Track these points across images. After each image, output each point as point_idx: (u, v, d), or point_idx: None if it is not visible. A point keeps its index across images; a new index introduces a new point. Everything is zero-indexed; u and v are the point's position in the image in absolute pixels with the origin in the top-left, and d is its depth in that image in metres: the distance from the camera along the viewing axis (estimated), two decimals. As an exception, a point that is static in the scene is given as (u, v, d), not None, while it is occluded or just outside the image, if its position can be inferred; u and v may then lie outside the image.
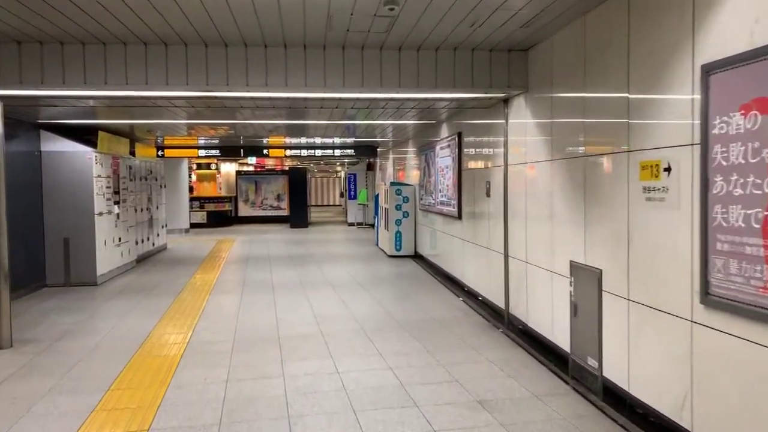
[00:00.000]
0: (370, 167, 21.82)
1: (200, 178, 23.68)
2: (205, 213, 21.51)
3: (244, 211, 23.95)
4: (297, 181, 21.31)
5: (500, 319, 6.52)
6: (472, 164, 7.85)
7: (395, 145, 15.01)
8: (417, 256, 12.06)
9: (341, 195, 38.91)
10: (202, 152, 14.46)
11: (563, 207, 4.91)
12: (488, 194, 7.03)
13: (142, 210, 12.13)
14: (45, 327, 6.52)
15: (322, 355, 5.37)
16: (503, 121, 6.43)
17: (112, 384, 4.63)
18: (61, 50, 5.17)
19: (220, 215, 21.87)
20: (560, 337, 5.01)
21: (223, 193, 26.17)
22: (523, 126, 5.88)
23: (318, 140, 14.02)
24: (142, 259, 12.03)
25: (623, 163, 3.88)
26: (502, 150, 6.46)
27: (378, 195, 14.84)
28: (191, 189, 23.39)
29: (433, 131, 10.20)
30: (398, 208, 12.16)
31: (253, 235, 18.01)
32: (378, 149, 15.40)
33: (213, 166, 23.70)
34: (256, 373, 4.88)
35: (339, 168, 39.45)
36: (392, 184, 12.29)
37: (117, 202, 10.19)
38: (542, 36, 5.15)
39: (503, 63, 5.72)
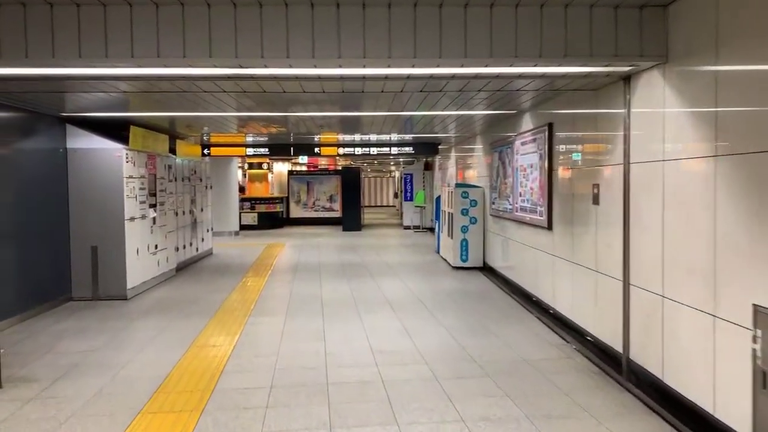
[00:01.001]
0: (428, 167, 20.36)
1: (252, 178, 22.89)
2: (255, 214, 20.63)
3: (295, 212, 23.00)
4: (350, 182, 20.12)
5: (615, 365, 4.96)
6: (568, 163, 6.30)
7: (459, 141, 13.51)
8: (486, 268, 10.55)
9: (395, 195, 37.63)
10: (250, 151, 13.41)
11: (738, 223, 3.34)
12: (596, 201, 5.47)
13: (183, 213, 11.15)
14: (50, 358, 5.44)
15: (385, 419, 3.99)
16: (621, 104, 4.86)
17: (103, 460, 3.41)
18: (77, 13, 4.00)
19: (271, 217, 20.96)
20: (731, 413, 3.44)
21: (275, 193, 25.36)
22: (657, 109, 4.31)
23: (373, 137, 12.70)
24: (183, 267, 11.04)
25: None
26: (619, 144, 4.90)
27: (439, 197, 13.39)
28: (242, 189, 22.65)
29: (510, 124, 8.67)
30: (464, 212, 10.68)
31: (304, 238, 16.91)
32: (439, 146, 13.93)
33: (265, 166, 22.85)
34: (296, 448, 3.55)
35: (393, 167, 38.19)
36: (458, 185, 10.83)
37: (153, 205, 9.18)
38: (702, -22, 3.59)
39: (632, 24, 4.18)
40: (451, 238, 10.98)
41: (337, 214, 22.49)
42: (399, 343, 5.82)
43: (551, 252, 6.81)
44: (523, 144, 7.89)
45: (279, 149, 13.50)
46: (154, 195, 9.27)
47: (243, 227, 20.02)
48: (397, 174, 36.06)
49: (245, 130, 10.99)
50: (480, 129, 10.49)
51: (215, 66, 4.28)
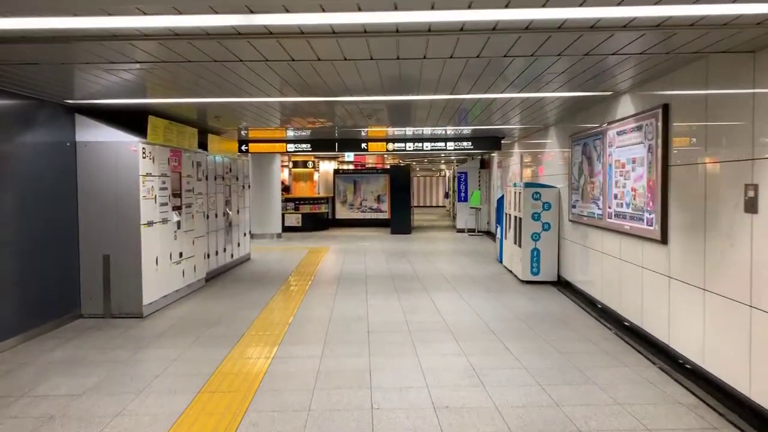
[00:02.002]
0: (485, 165, 18.75)
1: (296, 177, 21.83)
2: (299, 215, 19.54)
3: (341, 213, 21.81)
4: (399, 181, 18.72)
5: (796, 450, 3.37)
6: (697, 156, 4.70)
7: (524, 135, 11.89)
8: (560, 283, 8.95)
9: (446, 196, 36.03)
10: (291, 147, 12.21)
11: None
12: (751, 207, 3.88)
13: (216, 216, 10.02)
14: (23, 405, 4.27)
15: None
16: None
17: None
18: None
19: (315, 218, 19.82)
20: None
21: (321, 193, 24.28)
22: None
23: (426, 131, 11.26)
24: (216, 275, 9.92)
25: None
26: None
27: (501, 198, 11.82)
28: (287, 189, 21.65)
29: (599, 110, 7.07)
30: (536, 217, 9.10)
31: (350, 242, 15.62)
32: (502, 141, 12.33)
33: (310, 165, 21.76)
34: None
35: (443, 166, 36.62)
36: (527, 185, 9.27)
37: (177, 208, 8.05)
38: None
39: None
40: (519, 246, 9.42)
41: (385, 216, 21.17)
42: (469, 395, 4.37)
43: (665, 272, 5.21)
44: (620, 134, 6.29)
45: (322, 145, 12.24)
46: (179, 196, 8.14)
47: (286, 229, 18.98)
48: (448, 173, 34.47)
49: (285, 124, 9.77)
50: (554, 118, 8.89)
51: (214, 10, 2.96)
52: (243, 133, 11.67)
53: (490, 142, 11.99)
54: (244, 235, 11.85)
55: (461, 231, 18.56)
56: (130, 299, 6.95)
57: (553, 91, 6.26)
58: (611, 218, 6.55)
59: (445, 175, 38.75)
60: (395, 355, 5.41)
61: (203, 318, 6.98)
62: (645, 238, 5.63)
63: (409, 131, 11.37)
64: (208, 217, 9.55)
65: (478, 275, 9.98)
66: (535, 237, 9.12)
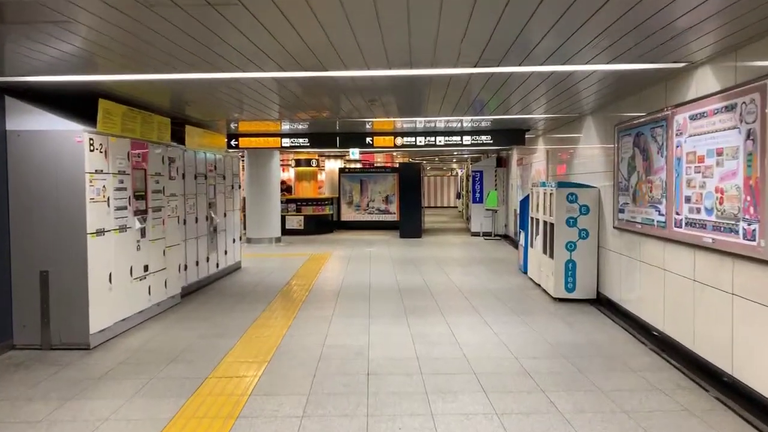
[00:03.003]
0: (501, 163, 17.29)
1: (299, 177, 20.50)
2: (301, 218, 18.19)
3: (347, 215, 20.42)
4: (409, 180, 17.29)
5: None
6: (839, 141, 3.25)
7: (551, 127, 10.43)
8: (600, 301, 7.50)
9: (458, 196, 34.54)
10: (286, 141, 10.84)
11: None
12: None
13: (196, 221, 8.67)
14: None
15: None
16: None
17: None
18: None
19: (319, 220, 18.46)
20: None
21: (326, 193, 22.93)
22: None
23: (439, 123, 9.86)
24: (196, 289, 8.57)
25: None
26: None
27: (525, 200, 10.37)
28: (289, 189, 20.32)
29: (657, 92, 5.63)
30: (571, 223, 7.65)
31: (355, 247, 14.23)
32: (527, 133, 10.84)
33: (314, 163, 20.39)
34: None
35: (455, 165, 35.13)
36: (561, 185, 7.82)
37: (142, 212, 6.70)
38: None
39: None
40: (550, 257, 7.97)
41: (394, 218, 19.76)
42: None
43: (778, 306, 3.76)
44: (695, 118, 4.83)
45: (322, 140, 10.85)
46: (144, 198, 6.78)
47: (287, 232, 17.65)
48: (460, 172, 33.00)
49: (277, 110, 8.39)
50: (592, 105, 7.43)
51: None
52: (233, 126, 10.34)
53: (512, 136, 10.54)
54: (234, 241, 10.48)
55: (476, 235, 17.11)
56: (73, 326, 5.60)
57: (587, 63, 4.82)
58: (681, 227, 5.09)
59: (457, 175, 37.30)
60: (403, 414, 4.00)
61: (165, 349, 5.61)
62: (738, 256, 4.18)
63: (419, 124, 9.96)
64: (185, 222, 8.19)
65: (500, 290, 8.54)
66: (571, 246, 7.66)
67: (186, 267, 8.23)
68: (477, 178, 17.42)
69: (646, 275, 5.98)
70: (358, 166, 27.17)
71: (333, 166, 23.46)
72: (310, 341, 5.84)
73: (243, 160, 15.28)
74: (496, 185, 17.18)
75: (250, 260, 11.91)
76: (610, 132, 7.14)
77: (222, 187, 9.88)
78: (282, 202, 18.16)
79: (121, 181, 6.24)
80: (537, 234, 8.96)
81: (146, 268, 6.78)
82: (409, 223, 16.97)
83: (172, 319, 6.92)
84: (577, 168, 8.81)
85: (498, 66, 4.98)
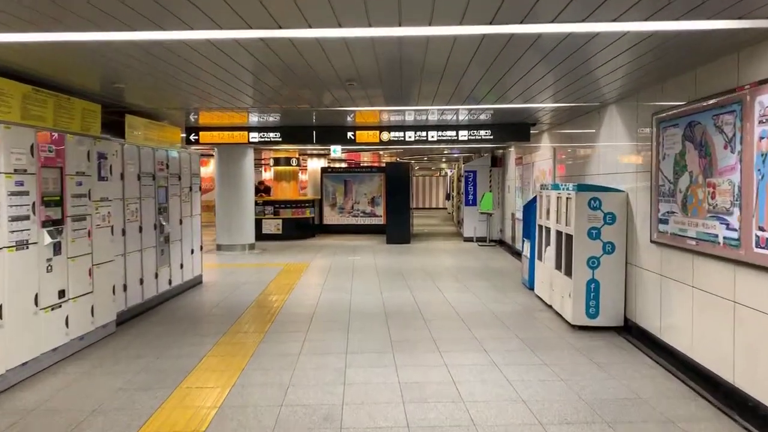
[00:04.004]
0: (497, 162, 15.95)
1: (278, 177, 18.97)
2: (279, 221, 16.71)
3: (330, 218, 18.98)
4: (396, 180, 15.87)
5: None
6: None
7: (562, 120, 9.08)
8: (628, 328, 6.16)
9: (447, 197, 33.19)
10: (254, 135, 9.37)
11: None
12: None
13: (141, 230, 7.19)
14: None
15: None
16: None
17: None
18: None
19: (299, 224, 17.00)
20: None
21: (309, 195, 21.46)
22: None
23: (433, 112, 8.49)
24: (139, 313, 7.09)
25: None
26: None
27: (530, 204, 9.01)
28: (268, 190, 18.82)
29: (718, 68, 4.28)
30: (594, 234, 6.29)
31: (337, 255, 12.79)
32: (533, 128, 9.43)
33: (294, 162, 18.87)
34: None
35: (444, 165, 33.78)
36: (581, 187, 6.44)
37: (56, 222, 5.22)
38: None
39: None
40: (567, 275, 6.61)
41: (380, 221, 18.35)
42: None
43: None
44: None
45: (295, 134, 9.40)
46: (60, 204, 5.31)
47: (264, 237, 16.18)
48: (450, 172, 31.69)
49: (220, 99, 6.95)
50: (619, 89, 6.06)
51: None
52: (192, 118, 8.87)
53: (515, 131, 9.16)
54: (192, 252, 9.00)
55: (469, 240, 15.75)
56: (-60, 381, 4.13)
57: (614, 20, 3.45)
58: (765, 247, 3.74)
59: (446, 175, 36.00)
60: None
61: (68, 411, 4.14)
62: None
63: (409, 116, 8.56)
64: (124, 232, 6.71)
65: (505, 313, 7.15)
66: (593, 263, 6.30)
67: (126, 287, 6.76)
68: (470, 179, 16.06)
69: (705, 307, 4.62)
70: (344, 165, 25.74)
71: (316, 165, 22.00)
72: (265, 397, 4.40)
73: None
74: (490, 186, 15.83)
75: (216, 272, 10.43)
76: (644, 123, 5.78)
77: (177, 189, 8.40)
78: (258, 204, 16.68)
79: (20, 183, 4.75)
80: (547, 245, 7.59)
81: (62, 293, 5.31)
82: (396, 228, 15.55)
83: (96, 358, 5.44)
84: (594, 167, 7.46)
85: (522, 23, 3.58)
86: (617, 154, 6.66)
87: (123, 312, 6.69)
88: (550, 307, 7.33)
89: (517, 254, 12.54)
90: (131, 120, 7.02)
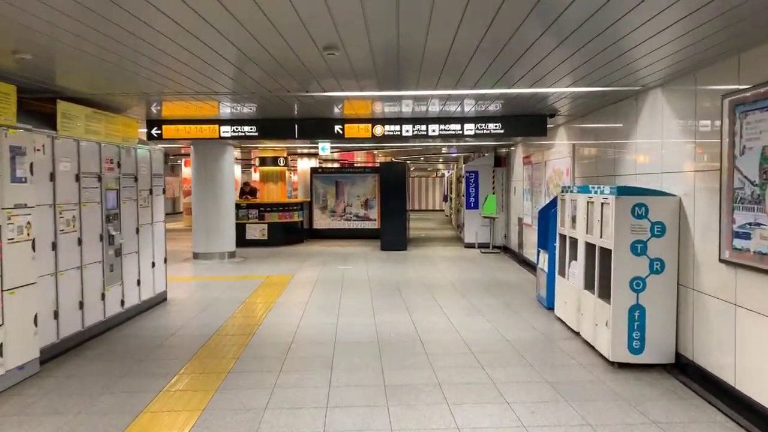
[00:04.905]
0: (500, 162, 14.70)
1: (265, 178, 17.68)
2: (264, 226, 15.41)
3: (320, 222, 17.71)
4: (392, 182, 14.59)
5: None
6: None
7: (582, 111, 7.84)
8: (681, 366, 4.92)
9: (444, 199, 31.93)
10: (226, 129, 8.07)
11: None
12: None
13: (80, 242, 5.88)
14: None
15: None
16: None
17: None
18: None
19: (286, 229, 15.71)
20: None
21: (300, 197, 20.19)
22: None
23: (432, 107, 7.24)
24: (80, 344, 5.79)
25: None
26: None
27: (548, 208, 7.75)
28: (254, 192, 17.53)
29: None
30: (639, 249, 5.03)
31: (326, 264, 11.51)
32: (552, 118, 8.14)
33: (281, 162, 17.58)
34: None
35: (440, 166, 32.53)
36: (622, 190, 5.17)
37: (-61, 238, 3.91)
38: None
39: None
40: (601, 297, 5.36)
41: (374, 225, 17.09)
42: None
43: None
44: None
45: (275, 127, 8.11)
46: (-54, 213, 4.01)
47: (248, 243, 14.92)
48: (447, 173, 30.48)
49: (171, 79, 5.68)
50: (674, 66, 4.82)
51: None
52: (154, 110, 7.60)
53: (529, 123, 7.91)
54: (153, 265, 7.70)
55: (470, 246, 14.50)
56: None
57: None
58: None
59: (443, 176, 34.80)
60: None
61: None
62: None
63: (406, 107, 7.31)
64: (54, 246, 5.42)
65: (523, 343, 5.89)
66: (638, 285, 5.05)
67: (57, 314, 5.46)
68: (471, 180, 14.81)
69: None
70: (336, 165, 24.47)
71: (307, 166, 20.74)
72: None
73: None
74: (493, 188, 14.59)
75: (186, 287, 9.14)
76: (708, 109, 4.54)
77: (132, 192, 7.10)
78: (242, 207, 15.42)
79: None
80: (572, 259, 6.35)
81: (-50, 331, 4.01)
82: (391, 233, 14.27)
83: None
84: (628, 166, 6.22)
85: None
86: (664, 150, 5.41)
87: (53, 345, 5.40)
88: (577, 334, 6.08)
89: (525, 263, 11.30)
90: (66, 108, 5.72)
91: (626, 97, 6.21)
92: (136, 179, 7.19)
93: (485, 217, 14.08)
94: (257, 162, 17.62)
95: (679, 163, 5.09)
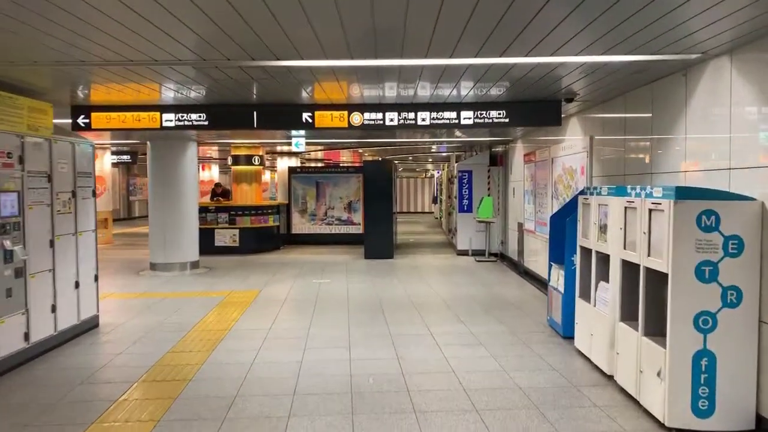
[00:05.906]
0: (497, 160, 13.34)
1: (238, 178, 16.15)
2: (236, 231, 13.91)
3: (300, 226, 16.26)
4: (377, 183, 13.13)
5: None
6: None
7: (603, 97, 6.48)
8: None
9: (433, 201, 30.52)
10: (169, 117, 6.59)
11: None
12: None
13: (-48, 262, 4.38)
14: None
15: None
16: None
17: None
18: None
19: (260, 234, 14.22)
20: None
21: (280, 200, 18.69)
22: None
23: (425, 92, 5.85)
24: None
25: None
26: None
27: (565, 214, 6.35)
28: (226, 194, 16.01)
29: None
30: (706, 273, 3.65)
31: (300, 276, 10.06)
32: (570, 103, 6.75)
33: (256, 161, 16.06)
34: None
35: (430, 166, 31.14)
36: (681, 193, 3.80)
37: None
38: None
39: None
40: (654, 338, 3.97)
41: (358, 230, 15.65)
42: None
43: None
44: None
45: (228, 115, 6.63)
46: None
47: (217, 250, 13.45)
48: (436, 174, 29.14)
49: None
50: (753, 22, 3.45)
51: None
52: (81, 94, 6.13)
53: (540, 110, 6.51)
54: (77, 286, 6.19)
55: (464, 253, 13.11)
56: None
57: None
58: None
59: (432, 177, 33.47)
60: None
61: None
62: None
63: (390, 91, 5.89)
64: None
65: (541, 392, 4.49)
66: (705, 323, 3.67)
67: None
68: (465, 180, 13.42)
69: None
70: (320, 165, 22.99)
71: (286, 165, 19.27)
72: None
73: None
74: (489, 189, 13.22)
75: (129, 306, 7.65)
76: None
77: (44, 194, 5.61)
78: (210, 211, 13.93)
79: None
80: (600, 279, 4.97)
81: None
82: (376, 239, 12.83)
83: None
84: (671, 161, 4.85)
85: None
86: (733, 138, 4.04)
87: None
88: (610, 378, 4.70)
89: (527, 275, 9.95)
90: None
91: (670, 73, 4.85)
92: (49, 178, 5.70)
93: (480, 222, 12.69)
94: (230, 161, 16.09)
95: (757, 156, 3.73)
